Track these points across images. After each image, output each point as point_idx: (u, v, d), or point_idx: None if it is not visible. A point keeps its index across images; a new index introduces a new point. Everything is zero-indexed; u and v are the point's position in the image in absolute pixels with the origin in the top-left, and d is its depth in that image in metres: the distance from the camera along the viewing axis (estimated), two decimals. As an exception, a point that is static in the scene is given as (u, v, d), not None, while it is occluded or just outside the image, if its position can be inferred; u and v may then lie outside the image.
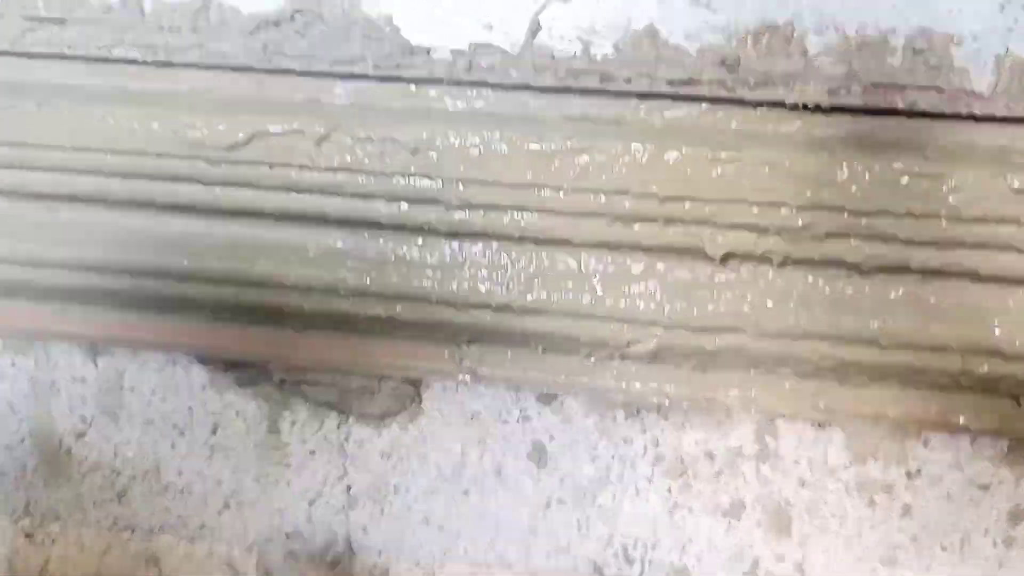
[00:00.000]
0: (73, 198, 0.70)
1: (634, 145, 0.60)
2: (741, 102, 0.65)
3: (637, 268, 0.67)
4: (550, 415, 0.78)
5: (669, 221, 0.63)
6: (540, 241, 0.67)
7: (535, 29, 0.67)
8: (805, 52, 0.65)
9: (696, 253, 0.65)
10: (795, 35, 0.65)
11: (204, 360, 0.81)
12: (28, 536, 0.91)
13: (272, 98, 0.68)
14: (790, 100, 0.63)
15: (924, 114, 0.63)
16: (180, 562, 0.89)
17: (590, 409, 0.78)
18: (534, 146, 0.61)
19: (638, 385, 0.73)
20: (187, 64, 0.68)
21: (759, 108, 0.65)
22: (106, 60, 0.69)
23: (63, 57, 0.70)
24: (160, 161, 0.65)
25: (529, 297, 0.68)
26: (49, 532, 0.91)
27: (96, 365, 0.83)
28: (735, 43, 0.66)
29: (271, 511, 0.86)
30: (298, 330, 0.76)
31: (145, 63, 0.68)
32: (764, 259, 0.65)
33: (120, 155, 0.65)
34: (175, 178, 0.66)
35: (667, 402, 0.74)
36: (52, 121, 0.65)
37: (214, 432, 0.84)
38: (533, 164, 0.62)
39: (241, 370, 0.81)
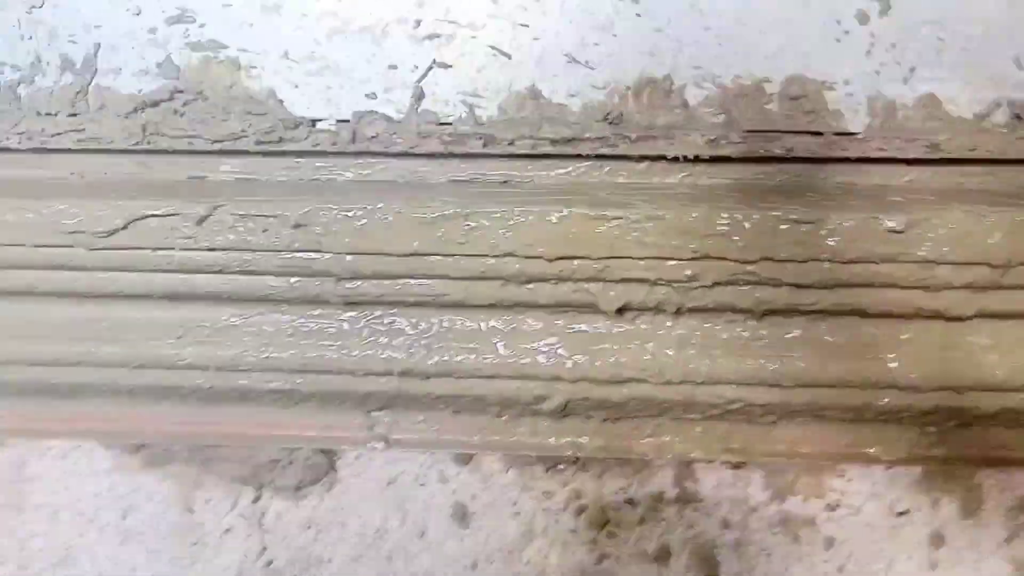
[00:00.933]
0: (-47, 292, 0.68)
1: (518, 208, 0.60)
2: (624, 157, 0.66)
3: (536, 325, 0.67)
4: (468, 475, 0.77)
5: (560, 279, 0.63)
6: (436, 305, 0.66)
7: (419, 95, 0.67)
8: (685, 104, 0.66)
9: (592, 308, 0.65)
10: (674, 88, 0.66)
11: (108, 444, 0.79)
12: (-65, 642, 0.87)
13: (156, 179, 0.67)
14: (671, 153, 0.64)
15: (801, 159, 0.65)
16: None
17: (508, 465, 0.77)
18: (419, 213, 0.61)
19: (552, 440, 0.73)
20: (64, 150, 0.67)
21: (643, 162, 0.66)
22: (-20, 149, 0.68)
23: (-65, 148, 0.68)
24: (38, 252, 0.63)
25: (432, 360, 0.67)
26: (-42, 634, 0.86)
27: (-4, 457, 0.80)
28: (617, 99, 0.67)
29: (191, 594, 0.83)
30: (203, 407, 0.74)
31: (20, 151, 0.67)
32: (659, 310, 0.65)
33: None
34: (54, 266, 0.64)
35: (583, 454, 0.73)
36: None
37: (124, 517, 0.81)
38: (419, 231, 0.61)
39: (149, 451, 0.79)
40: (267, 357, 0.69)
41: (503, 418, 0.73)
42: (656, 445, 0.73)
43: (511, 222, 0.61)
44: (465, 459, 0.77)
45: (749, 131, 0.65)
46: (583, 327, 0.67)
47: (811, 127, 0.65)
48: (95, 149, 0.67)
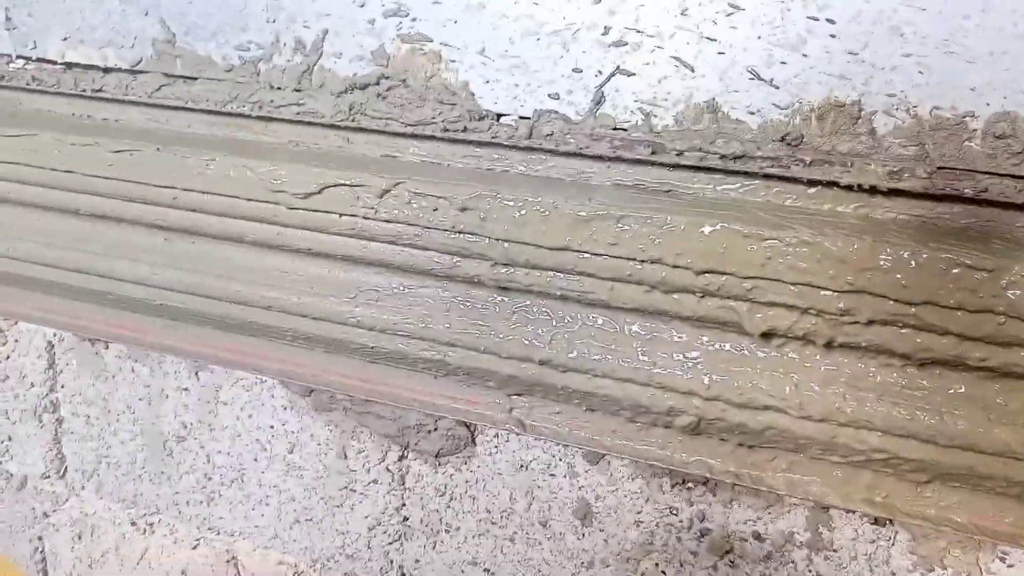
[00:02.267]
0: (181, 231, 0.80)
1: (671, 217, 0.61)
2: (795, 180, 0.64)
3: (678, 337, 0.67)
4: (596, 474, 0.79)
5: (706, 294, 0.63)
6: (580, 302, 0.68)
7: (599, 100, 0.69)
8: (872, 132, 0.63)
9: (736, 327, 0.64)
10: (863, 114, 0.64)
11: (286, 383, 0.88)
12: (133, 524, 1.02)
13: (355, 154, 0.75)
14: (846, 180, 0.62)
15: (994, 203, 0.60)
16: (255, 566, 0.96)
17: (636, 473, 0.77)
18: (574, 210, 0.63)
19: (683, 456, 0.72)
20: (285, 120, 0.76)
21: (813, 187, 0.64)
22: (220, 113, 0.79)
23: (187, 109, 0.80)
24: (248, 204, 0.73)
25: (571, 355, 0.70)
26: (151, 522, 1.01)
27: (198, 378, 0.93)
28: (798, 120, 0.65)
29: (335, 532, 0.91)
30: (365, 364, 0.81)
31: (250, 117, 0.77)
32: (807, 340, 0.63)
33: (217, 196, 0.74)
34: (260, 219, 0.74)
35: (713, 476, 0.72)
36: (166, 164, 0.75)
37: (291, 451, 0.91)
38: (572, 227, 0.64)
39: (317, 395, 0.87)
40: (424, 327, 0.74)
41: (635, 424, 0.73)
42: (791, 481, 0.70)
43: (662, 229, 0.61)
44: (595, 458, 0.78)
45: (941, 167, 0.61)
46: (726, 346, 0.66)
47: (1015, 170, 0.60)
48: (309, 122, 0.76)
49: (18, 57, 0.88)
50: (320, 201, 0.70)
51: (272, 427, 0.91)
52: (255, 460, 0.93)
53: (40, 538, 1.07)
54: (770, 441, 0.68)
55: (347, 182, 0.69)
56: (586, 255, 0.64)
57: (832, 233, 0.59)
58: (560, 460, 0.79)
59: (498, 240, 0.66)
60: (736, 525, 0.74)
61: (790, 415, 0.65)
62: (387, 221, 0.69)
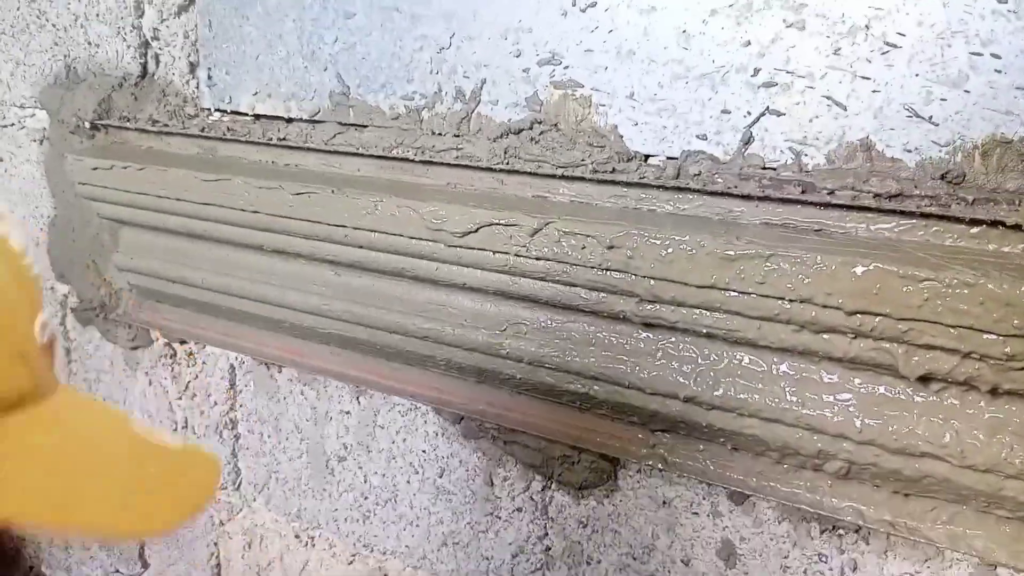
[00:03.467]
0: (349, 266, 0.87)
1: (821, 256, 0.60)
2: (955, 219, 0.62)
3: (829, 378, 0.66)
4: (741, 515, 0.78)
5: (859, 335, 0.61)
6: (728, 340, 0.69)
7: (747, 140, 0.70)
8: (1044, 168, 0.61)
9: (891, 370, 0.62)
10: (1033, 150, 0.61)
11: (439, 411, 0.93)
12: (297, 536, 1.10)
13: (508, 195, 0.80)
14: (1014, 220, 0.59)
15: None
16: (404, 586, 1.01)
17: (783, 516, 0.76)
18: (721, 249, 0.64)
19: (833, 501, 0.71)
20: (444, 163, 0.82)
21: (976, 226, 0.62)
22: (386, 158, 0.86)
23: (358, 155, 0.87)
24: (410, 242, 0.79)
25: (716, 393, 0.70)
26: (312, 536, 1.08)
27: (359, 402, 1.00)
28: (960, 157, 0.63)
29: (480, 556, 0.95)
30: (512, 394, 0.85)
31: (413, 161, 0.84)
32: (969, 385, 0.60)
33: (383, 235, 0.80)
34: (420, 255, 0.79)
35: (866, 525, 0.70)
36: (339, 205, 0.82)
37: (440, 475, 0.95)
38: (719, 266, 0.64)
39: (467, 423, 0.92)
40: (571, 360, 0.76)
41: (783, 466, 0.72)
42: (952, 535, 0.66)
43: (812, 268, 0.61)
44: (739, 498, 0.77)
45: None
46: (880, 389, 0.64)
47: None
48: (466, 165, 0.81)
49: (216, 110, 0.99)
50: (476, 239, 0.75)
51: (424, 451, 0.96)
52: (408, 482, 0.98)
53: (216, 544, 1.18)
54: (928, 490, 0.65)
55: (501, 221, 0.73)
56: (733, 293, 0.64)
57: (997, 274, 0.56)
58: (704, 499, 0.79)
59: (644, 277, 0.68)
60: (892, 578, 0.71)
61: (950, 464, 0.62)
62: (537, 258, 0.72)
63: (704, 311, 0.67)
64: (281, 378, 1.05)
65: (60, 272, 1.21)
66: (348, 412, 1.01)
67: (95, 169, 0.98)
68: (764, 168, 0.70)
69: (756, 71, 0.69)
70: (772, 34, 0.68)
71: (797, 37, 0.67)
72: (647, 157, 0.75)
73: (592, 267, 0.70)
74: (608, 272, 0.70)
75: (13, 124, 1.19)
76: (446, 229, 0.76)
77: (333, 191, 0.82)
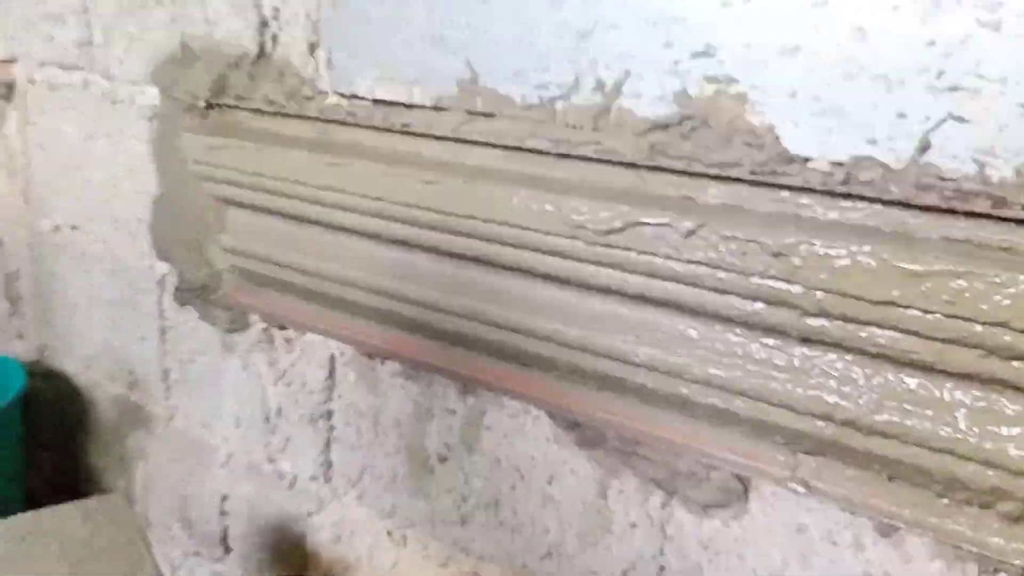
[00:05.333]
0: (472, 259, 0.84)
1: (1022, 276, 0.55)
2: None
3: (1013, 408, 0.61)
4: (888, 549, 0.72)
5: (1059, 365, 0.56)
6: (900, 362, 0.63)
7: (924, 146, 0.65)
8: None
9: (1091, 405, 0.57)
10: None
11: (553, 415, 0.90)
12: (388, 533, 1.07)
13: (650, 192, 0.75)
14: None
15: None
16: (500, 594, 0.98)
17: (936, 554, 0.70)
18: (905, 264, 0.59)
19: (999, 541, 0.65)
20: (583, 157, 0.78)
21: None
22: (519, 149, 0.82)
23: (487, 144, 0.84)
24: (545, 237, 0.75)
25: (879, 417, 0.65)
26: (404, 535, 1.06)
27: (465, 402, 0.97)
28: None
29: (586, 570, 0.91)
30: (639, 404, 0.81)
31: (548, 154, 0.80)
32: None
33: (516, 228, 0.77)
34: (554, 252, 0.76)
35: (1036, 569, 0.64)
36: (469, 196, 0.79)
37: (549, 483, 0.92)
38: (902, 282, 0.59)
39: (583, 431, 0.88)
40: (712, 373, 0.72)
41: (944, 500, 0.67)
42: None
43: (1012, 290, 0.56)
44: (887, 531, 0.72)
45: None
46: (1075, 425, 0.58)
47: None
48: (607, 160, 0.77)
49: (334, 93, 0.97)
50: (621, 239, 0.71)
51: (533, 457, 0.92)
52: (512, 488, 0.95)
53: (303, 535, 1.16)
54: (1118, 539, 0.60)
55: (652, 221, 0.69)
56: (915, 312, 0.59)
57: None
58: (845, 528, 0.74)
59: (812, 289, 0.63)
60: (1059, 630, 0.65)
61: None
62: (689, 262, 0.68)
63: (877, 329, 0.62)
64: (383, 371, 1.03)
65: (162, 251, 1.21)
66: (453, 411, 0.98)
67: (211, 148, 0.97)
68: (942, 179, 0.64)
69: (940, 73, 0.64)
70: (962, 34, 0.62)
71: (991, 38, 0.61)
72: (807, 160, 0.70)
73: (752, 275, 0.66)
74: (770, 281, 0.65)
75: (123, 101, 1.19)
76: (588, 226, 0.72)
77: (464, 181, 0.79)
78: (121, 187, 1.23)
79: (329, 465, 1.13)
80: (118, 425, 1.42)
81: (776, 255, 0.64)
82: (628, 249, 0.71)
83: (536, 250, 0.77)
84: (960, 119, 0.64)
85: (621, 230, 0.71)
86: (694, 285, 0.69)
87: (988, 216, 0.61)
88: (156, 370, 1.31)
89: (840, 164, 0.68)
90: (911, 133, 0.66)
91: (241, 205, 1.00)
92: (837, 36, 0.67)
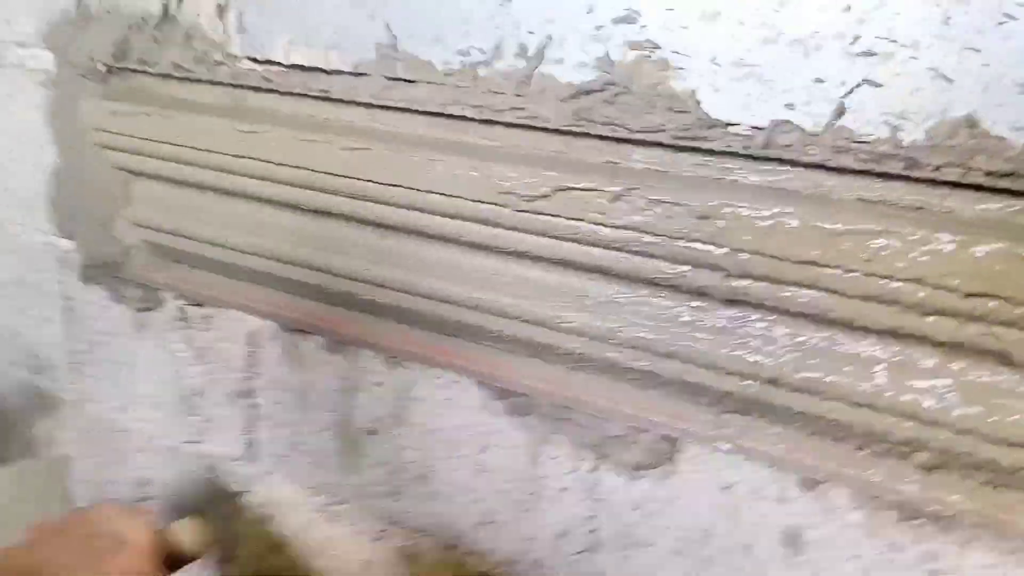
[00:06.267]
0: (397, 228, 0.82)
1: (939, 235, 0.57)
2: (1074, 200, 0.59)
3: (928, 363, 0.63)
4: (811, 502, 0.75)
5: (971, 318, 0.58)
6: (820, 320, 0.65)
7: (840, 111, 0.66)
8: None
9: (1000, 358, 0.60)
10: None
11: (483, 384, 0.89)
12: (320, 511, 1.05)
13: (575, 159, 0.75)
14: None
15: None
16: (435, 565, 0.98)
17: (857, 504, 0.73)
18: (827, 224, 0.60)
19: (916, 490, 0.68)
20: (507, 123, 0.77)
21: (1097, 207, 0.59)
22: (442, 115, 0.80)
23: (409, 111, 0.82)
24: (471, 204, 0.74)
25: (801, 375, 0.67)
26: (336, 512, 1.04)
27: (393, 374, 0.95)
28: (1075, 135, 0.60)
29: (521, 537, 0.91)
30: (569, 370, 0.81)
31: (473, 120, 0.78)
32: (1085, 376, 0.58)
33: (441, 196, 0.75)
34: (481, 220, 0.75)
35: (949, 514, 0.68)
36: (392, 163, 0.77)
37: (482, 452, 0.92)
38: (823, 242, 0.61)
39: (513, 399, 0.88)
40: (639, 336, 0.73)
41: (863, 452, 0.69)
42: (1041, 527, 0.64)
43: (928, 247, 0.58)
44: (811, 484, 0.74)
45: None
46: (983, 376, 0.61)
47: None
48: (531, 126, 0.76)
49: (246, 58, 0.93)
50: (548, 204, 0.70)
51: (464, 427, 0.92)
52: (444, 459, 0.94)
53: (231, 516, 1.13)
54: (1023, 482, 0.63)
55: (578, 186, 0.68)
56: (835, 271, 0.61)
57: None
58: (770, 484, 0.76)
59: (736, 251, 0.64)
60: (973, 570, 0.69)
61: (1053, 455, 0.60)
62: (616, 227, 0.68)
63: (800, 288, 0.64)
64: (307, 346, 1.00)
65: (63, 227, 1.14)
66: (380, 383, 0.96)
67: (114, 114, 0.91)
68: (857, 142, 0.66)
69: (855, 39, 0.65)
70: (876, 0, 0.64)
71: (903, 4, 0.63)
72: (728, 125, 0.71)
73: (678, 238, 0.66)
74: (695, 244, 0.66)
75: (12, 65, 1.11)
76: (516, 192, 0.71)
77: (387, 148, 0.77)
78: (13, 159, 1.15)
79: (255, 443, 1.10)
80: (23, 411, 1.35)
81: (702, 217, 0.64)
82: (556, 215, 0.70)
83: (462, 218, 0.76)
84: (874, 83, 0.65)
85: (548, 196, 0.70)
86: (620, 250, 0.70)
87: (901, 177, 0.63)
88: (62, 353, 1.24)
89: (760, 129, 0.69)
90: (828, 98, 0.67)
91: (149, 176, 0.95)
92: (757, 1, 0.67)
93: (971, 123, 0.62)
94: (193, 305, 1.07)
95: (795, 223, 0.61)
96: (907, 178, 0.63)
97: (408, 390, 0.95)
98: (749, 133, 0.69)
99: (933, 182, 0.63)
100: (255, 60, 0.92)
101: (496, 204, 0.73)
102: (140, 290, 1.10)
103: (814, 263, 0.61)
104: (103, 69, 0.97)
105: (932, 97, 0.63)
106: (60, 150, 1.09)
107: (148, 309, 1.11)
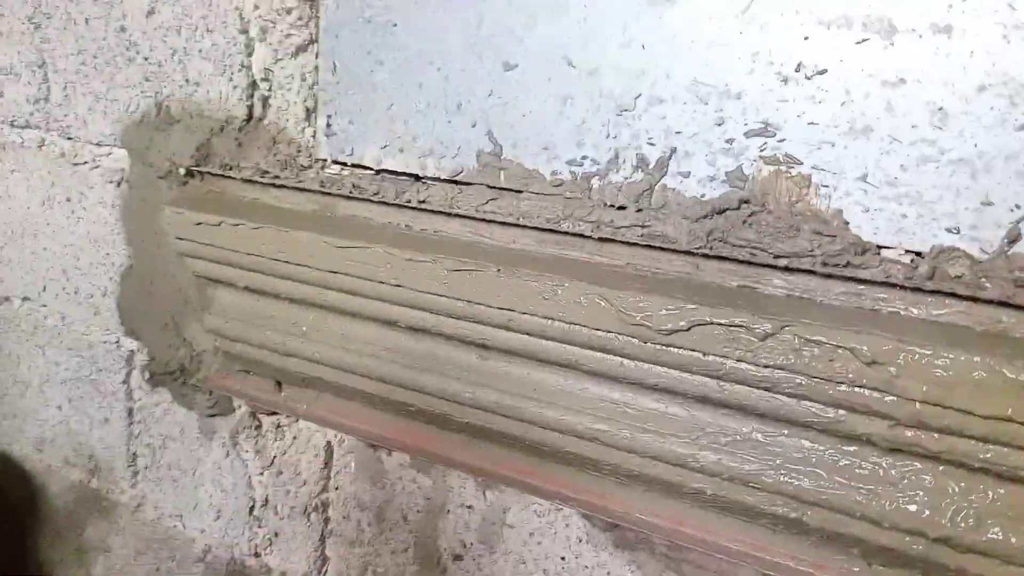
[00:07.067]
0: (505, 351, 0.76)
1: None
2: None
3: None
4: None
5: None
6: (1007, 478, 0.58)
7: (1014, 237, 0.60)
8: None
9: None
10: None
11: (587, 515, 0.82)
12: (398, 642, 0.97)
13: (706, 282, 0.69)
14: None
15: None
16: None
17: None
18: (1021, 376, 0.54)
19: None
20: (626, 242, 0.71)
21: None
22: (552, 231, 0.75)
23: (517, 226, 0.77)
24: (596, 333, 0.68)
25: (979, 536, 0.59)
26: (415, 643, 0.96)
27: (485, 497, 0.88)
28: None
29: None
30: (693, 507, 0.74)
31: (588, 238, 0.73)
32: None
33: (561, 323, 0.69)
34: (606, 350, 0.69)
35: None
36: (508, 286, 0.71)
37: (583, 588, 0.84)
38: (1014, 396, 0.54)
39: (621, 532, 0.80)
40: (783, 481, 0.66)
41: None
42: None
43: None
44: (976, 650, 0.66)
45: None
46: None
47: None
48: (656, 246, 0.70)
49: (334, 162, 0.88)
50: (685, 339, 0.64)
51: (563, 558, 0.84)
52: (539, 591, 0.86)
53: (297, 641, 1.05)
54: None
55: (722, 321, 0.62)
56: (1030, 428, 0.54)
57: None
58: (927, 645, 0.68)
59: (910, 400, 0.57)
60: None
61: None
62: (766, 366, 0.62)
63: (987, 444, 0.56)
64: (390, 462, 0.94)
65: (130, 327, 1.10)
66: (471, 507, 0.89)
67: (199, 224, 0.87)
68: (1035, 272, 0.60)
69: (1030, 160, 0.59)
70: (1056, 118, 0.58)
71: (1087, 122, 0.57)
72: (880, 248, 0.65)
73: (840, 383, 0.59)
74: (860, 390, 0.59)
75: (86, 162, 1.08)
76: (648, 325, 0.65)
77: (499, 270, 0.72)
78: (82, 257, 1.12)
79: (324, 560, 1.03)
80: (75, 513, 1.29)
81: (871, 363, 0.58)
82: (693, 350, 0.64)
83: (583, 345, 0.70)
84: (1052, 209, 0.59)
85: (687, 330, 0.64)
86: (769, 390, 0.63)
87: (1093, 318, 0.57)
88: (121, 455, 1.19)
89: (918, 254, 0.63)
90: (998, 222, 0.61)
91: (231, 285, 0.90)
92: (914, 116, 0.62)
93: None
94: (266, 413, 1.01)
95: (985, 373, 0.54)
96: (1102, 320, 0.56)
97: (502, 516, 0.87)
98: (907, 260, 0.63)
99: None
100: (343, 164, 0.88)
101: (626, 335, 0.67)
102: (209, 396, 1.04)
103: (1008, 419, 0.54)
104: (182, 172, 0.93)
105: (1124, 227, 0.57)
106: (132, 251, 1.05)
107: (217, 415, 1.05)
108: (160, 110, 0.97)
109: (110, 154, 1.05)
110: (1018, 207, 0.60)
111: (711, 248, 0.68)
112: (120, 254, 1.07)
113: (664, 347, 0.65)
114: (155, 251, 1.01)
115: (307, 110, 0.89)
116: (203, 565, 1.14)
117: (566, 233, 0.74)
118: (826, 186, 0.66)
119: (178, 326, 1.02)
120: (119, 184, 1.05)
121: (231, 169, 0.91)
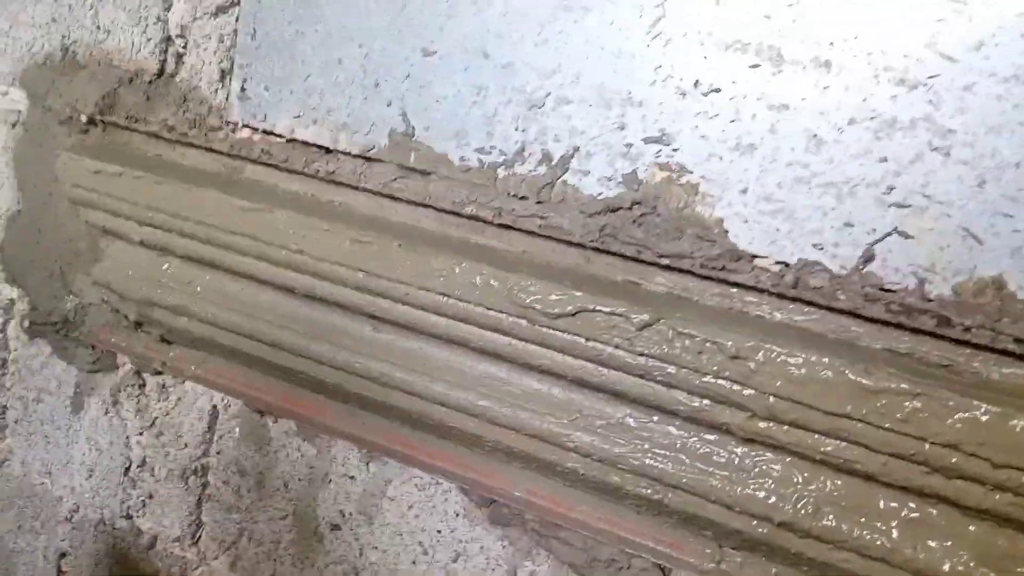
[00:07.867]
0: (397, 325, 0.78)
1: (977, 403, 0.57)
2: (1099, 377, 0.60)
3: (939, 522, 0.63)
4: (802, 645, 0.73)
5: (998, 488, 0.58)
6: (840, 470, 0.64)
7: (868, 258, 0.67)
8: None
9: (1021, 526, 0.60)
10: None
11: (465, 490, 0.85)
12: (267, 609, 0.98)
13: (595, 274, 0.73)
14: None
15: None
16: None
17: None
18: (862, 379, 0.60)
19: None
20: (525, 231, 0.75)
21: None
22: (456, 214, 0.78)
23: (423, 205, 0.79)
24: (487, 313, 0.71)
25: (817, 523, 0.65)
26: (285, 610, 0.97)
27: (368, 468, 0.90)
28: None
29: (489, 655, 0.86)
30: (564, 486, 0.78)
31: (490, 223, 0.76)
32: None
33: (454, 300, 0.72)
34: (495, 329, 0.72)
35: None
36: (408, 261, 0.73)
37: (454, 560, 0.87)
38: (856, 395, 0.60)
39: (497, 508, 0.84)
40: (648, 463, 0.70)
41: (871, 604, 0.68)
42: None
43: (963, 415, 0.57)
44: (806, 629, 0.73)
45: None
46: (1002, 543, 0.61)
47: None
48: (552, 237, 0.74)
49: (245, 126, 0.88)
50: (570, 323, 0.68)
51: (439, 532, 0.87)
52: (413, 563, 0.89)
53: (163, 605, 1.04)
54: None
55: (605, 309, 0.66)
56: (866, 426, 0.60)
57: None
58: (764, 623, 0.74)
59: (765, 394, 0.63)
60: None
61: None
62: (640, 354, 0.66)
63: (827, 438, 0.63)
64: (276, 429, 0.94)
65: (12, 274, 1.06)
66: (352, 477, 0.91)
67: (97, 172, 0.85)
68: (884, 290, 0.66)
69: (890, 189, 0.66)
70: (913, 154, 0.65)
71: (940, 162, 0.64)
72: (754, 257, 0.71)
73: (705, 374, 0.65)
74: (722, 382, 0.64)
75: (-20, 99, 1.03)
76: (537, 308, 0.69)
77: (400, 245, 0.74)
78: (-33, 197, 1.07)
79: (199, 525, 1.02)
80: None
81: (734, 358, 0.63)
82: (576, 335, 0.68)
83: (474, 324, 0.73)
84: (905, 234, 0.66)
85: (573, 315, 0.68)
86: (641, 377, 0.68)
87: (932, 334, 0.64)
88: (-10, 407, 1.14)
89: (785, 265, 0.69)
90: (856, 242, 0.67)
91: (125, 238, 0.89)
92: (793, 140, 0.68)
93: (998, 284, 0.64)
94: (151, 372, 1.00)
95: (831, 374, 0.61)
96: (937, 336, 0.63)
97: (383, 487, 0.89)
98: (776, 269, 0.69)
99: (963, 343, 0.63)
100: (254, 129, 0.88)
101: (514, 316, 0.70)
102: (92, 351, 1.02)
103: (847, 416, 0.60)
104: (84, 120, 0.91)
105: (961, 255, 0.65)
106: (22, 195, 1.01)
107: (99, 371, 1.03)
108: (66, 54, 0.95)
109: (6, 94, 1.01)
110: (875, 230, 0.67)
111: (602, 243, 0.72)
112: (8, 199, 1.03)
113: (550, 330, 0.69)
114: (47, 198, 0.98)
115: (222, 72, 0.89)
116: (69, 525, 1.10)
117: (469, 217, 0.77)
118: (711, 196, 0.71)
119: (65, 277, 0.99)
120: (14, 126, 1.01)
121: (137, 122, 0.90)
